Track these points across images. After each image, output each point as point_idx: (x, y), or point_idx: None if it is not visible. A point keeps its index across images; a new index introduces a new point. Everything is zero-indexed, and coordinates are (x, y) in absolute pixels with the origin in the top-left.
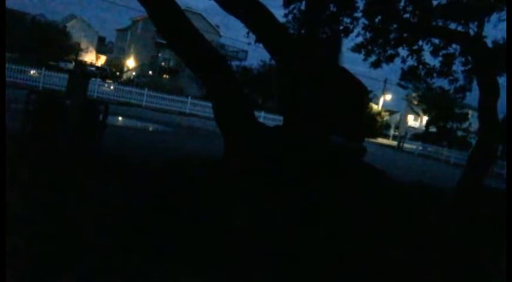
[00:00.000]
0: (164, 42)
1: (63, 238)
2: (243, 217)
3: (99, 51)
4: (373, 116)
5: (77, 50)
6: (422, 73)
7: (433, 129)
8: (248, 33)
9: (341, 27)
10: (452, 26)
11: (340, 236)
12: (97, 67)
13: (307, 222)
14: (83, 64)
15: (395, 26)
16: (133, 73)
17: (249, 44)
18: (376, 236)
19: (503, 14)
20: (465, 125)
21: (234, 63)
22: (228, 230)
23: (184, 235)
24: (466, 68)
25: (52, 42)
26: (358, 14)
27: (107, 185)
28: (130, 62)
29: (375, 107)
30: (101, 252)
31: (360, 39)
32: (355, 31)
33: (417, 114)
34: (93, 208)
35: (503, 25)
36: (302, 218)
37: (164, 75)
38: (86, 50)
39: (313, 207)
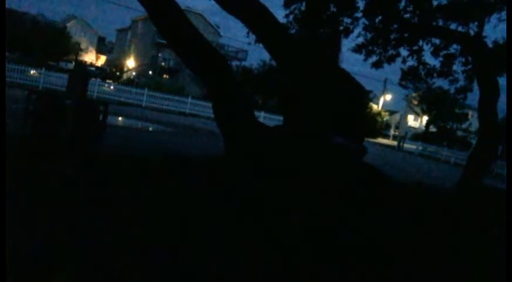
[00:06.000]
0: (164, 42)
1: None
2: None
3: (99, 51)
4: (373, 116)
5: (77, 50)
6: (423, 73)
7: (433, 129)
8: (248, 33)
9: (341, 28)
10: (453, 26)
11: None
12: (97, 67)
13: None
14: (82, 64)
15: (395, 26)
16: (134, 73)
17: (249, 44)
18: None
19: (503, 14)
20: (465, 125)
21: (234, 63)
22: None
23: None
24: (466, 68)
25: (52, 42)
26: (359, 14)
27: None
28: (130, 62)
29: (375, 107)
30: None
31: (360, 39)
32: (356, 31)
33: (417, 114)
34: None
35: (503, 25)
36: None
37: (164, 75)
38: (86, 50)
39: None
